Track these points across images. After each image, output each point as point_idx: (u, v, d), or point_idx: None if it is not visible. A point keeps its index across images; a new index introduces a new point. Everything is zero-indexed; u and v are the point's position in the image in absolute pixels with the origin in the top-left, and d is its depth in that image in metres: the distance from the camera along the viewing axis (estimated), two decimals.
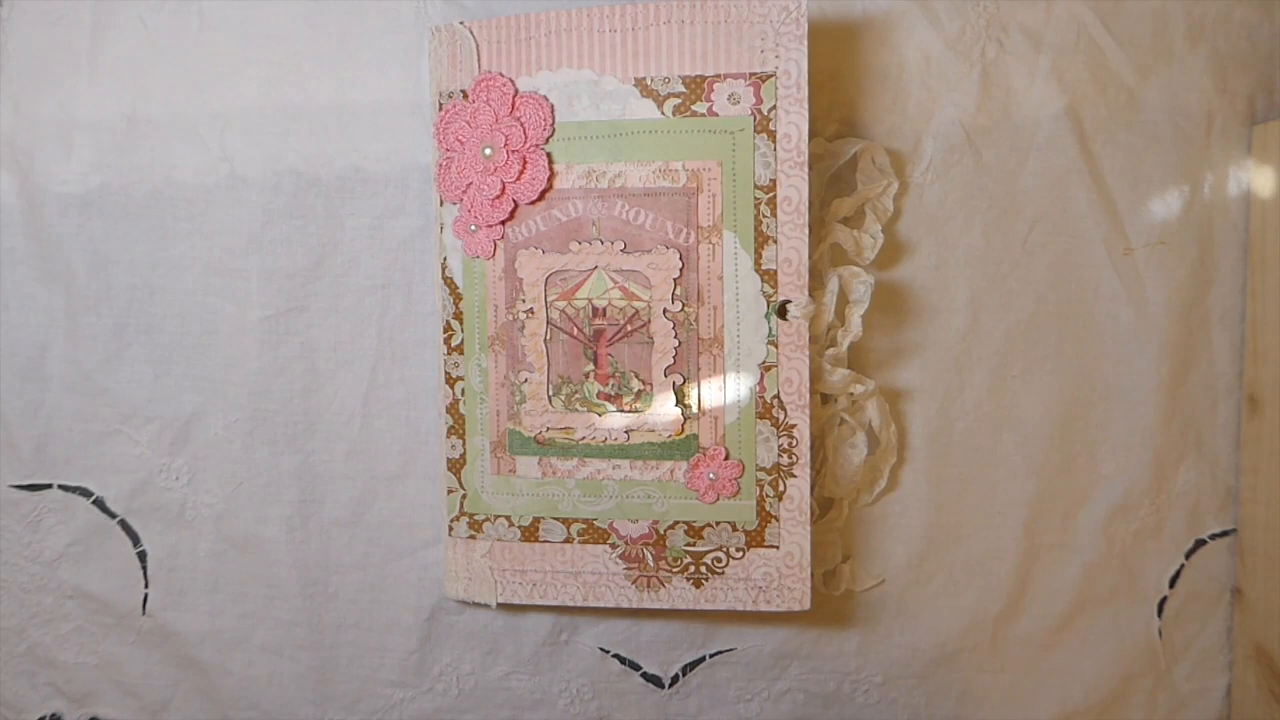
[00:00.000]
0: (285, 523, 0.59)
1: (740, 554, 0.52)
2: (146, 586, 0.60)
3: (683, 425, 0.52)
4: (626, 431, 0.52)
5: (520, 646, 0.59)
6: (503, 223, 0.52)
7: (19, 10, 0.57)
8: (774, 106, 0.49)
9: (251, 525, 0.59)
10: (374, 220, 0.56)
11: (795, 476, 0.51)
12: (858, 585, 0.57)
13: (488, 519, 0.54)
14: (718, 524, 0.52)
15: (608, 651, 0.59)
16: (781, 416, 0.51)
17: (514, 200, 0.51)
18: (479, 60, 0.51)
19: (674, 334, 0.51)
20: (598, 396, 0.52)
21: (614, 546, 0.53)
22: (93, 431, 0.59)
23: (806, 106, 0.49)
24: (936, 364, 0.56)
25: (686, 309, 0.51)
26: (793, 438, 0.51)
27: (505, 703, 0.59)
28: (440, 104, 0.52)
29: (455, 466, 0.54)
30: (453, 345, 0.54)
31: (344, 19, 0.56)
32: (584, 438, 0.53)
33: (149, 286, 0.58)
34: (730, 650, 0.58)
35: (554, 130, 0.51)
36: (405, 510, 0.58)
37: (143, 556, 0.60)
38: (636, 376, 0.52)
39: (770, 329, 0.50)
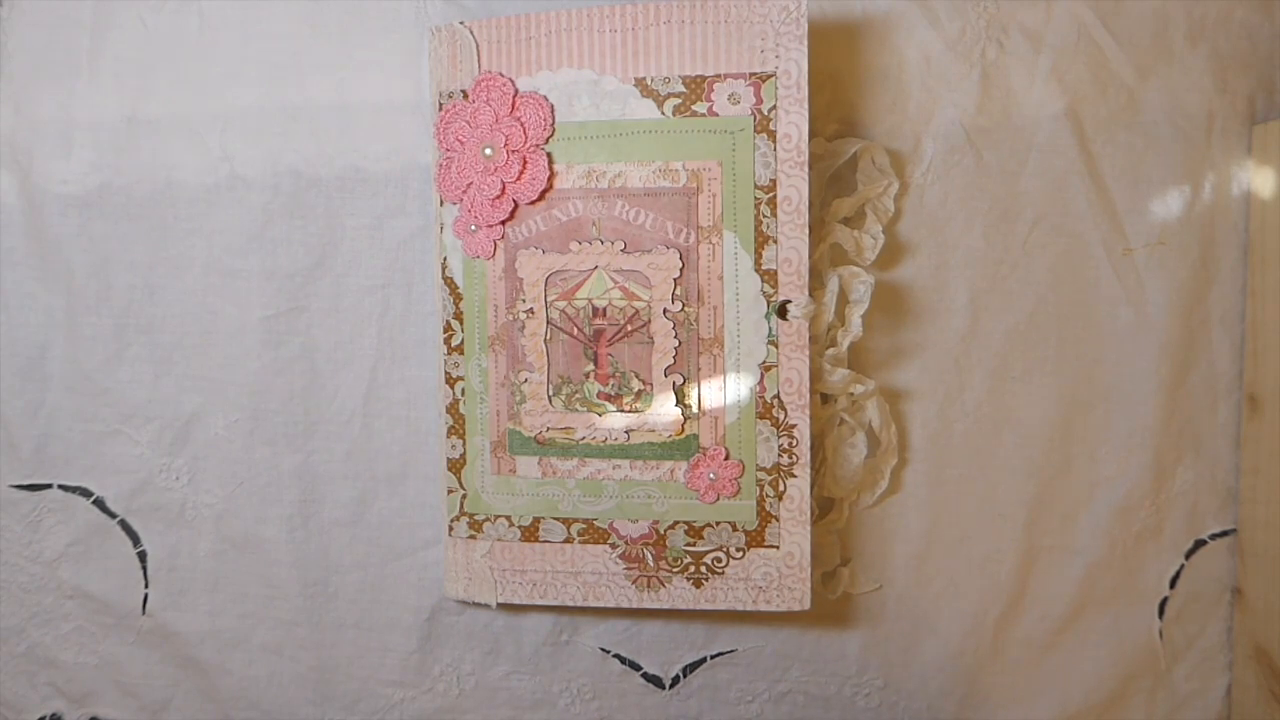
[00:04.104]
0: (285, 523, 0.59)
1: (740, 554, 0.52)
2: (146, 586, 0.60)
3: (683, 425, 0.52)
4: (626, 431, 0.52)
5: (521, 646, 0.59)
6: (503, 223, 0.52)
7: (19, 10, 0.57)
8: (774, 106, 0.49)
9: (251, 525, 0.59)
10: (374, 220, 0.56)
11: (795, 476, 0.51)
12: (856, 588, 0.57)
13: (488, 519, 0.54)
14: (718, 524, 0.52)
15: (608, 652, 0.59)
16: (781, 416, 0.51)
17: (514, 200, 0.51)
18: (479, 60, 0.51)
19: (674, 334, 0.51)
20: (598, 396, 0.52)
21: (614, 546, 0.53)
22: (93, 431, 0.59)
23: (806, 106, 0.49)
24: (936, 365, 0.56)
25: (686, 309, 0.51)
26: (793, 438, 0.51)
27: (506, 703, 0.59)
28: (440, 104, 0.52)
29: (455, 466, 0.54)
30: (453, 345, 0.54)
31: (344, 19, 0.56)
32: (584, 438, 0.53)
33: (149, 286, 0.58)
34: (731, 651, 0.58)
35: (554, 130, 0.51)
36: (405, 510, 0.58)
37: (143, 556, 0.60)
38: (636, 376, 0.52)
39: (770, 329, 0.50)
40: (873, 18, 0.54)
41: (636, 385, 0.52)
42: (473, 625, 0.59)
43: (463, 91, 0.52)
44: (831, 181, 0.54)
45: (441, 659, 0.59)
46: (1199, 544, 0.57)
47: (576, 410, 0.53)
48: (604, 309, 0.52)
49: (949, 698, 0.58)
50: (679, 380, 0.52)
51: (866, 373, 0.55)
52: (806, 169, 0.49)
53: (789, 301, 0.50)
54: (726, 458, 0.52)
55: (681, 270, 0.51)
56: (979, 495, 0.57)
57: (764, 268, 0.50)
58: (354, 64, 0.56)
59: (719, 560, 0.52)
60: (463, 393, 0.54)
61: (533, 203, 0.51)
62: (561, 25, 0.50)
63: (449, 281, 0.53)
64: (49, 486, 0.60)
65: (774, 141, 0.49)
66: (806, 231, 0.50)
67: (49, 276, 0.58)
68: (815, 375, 0.52)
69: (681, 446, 0.52)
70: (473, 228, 0.52)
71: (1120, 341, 0.56)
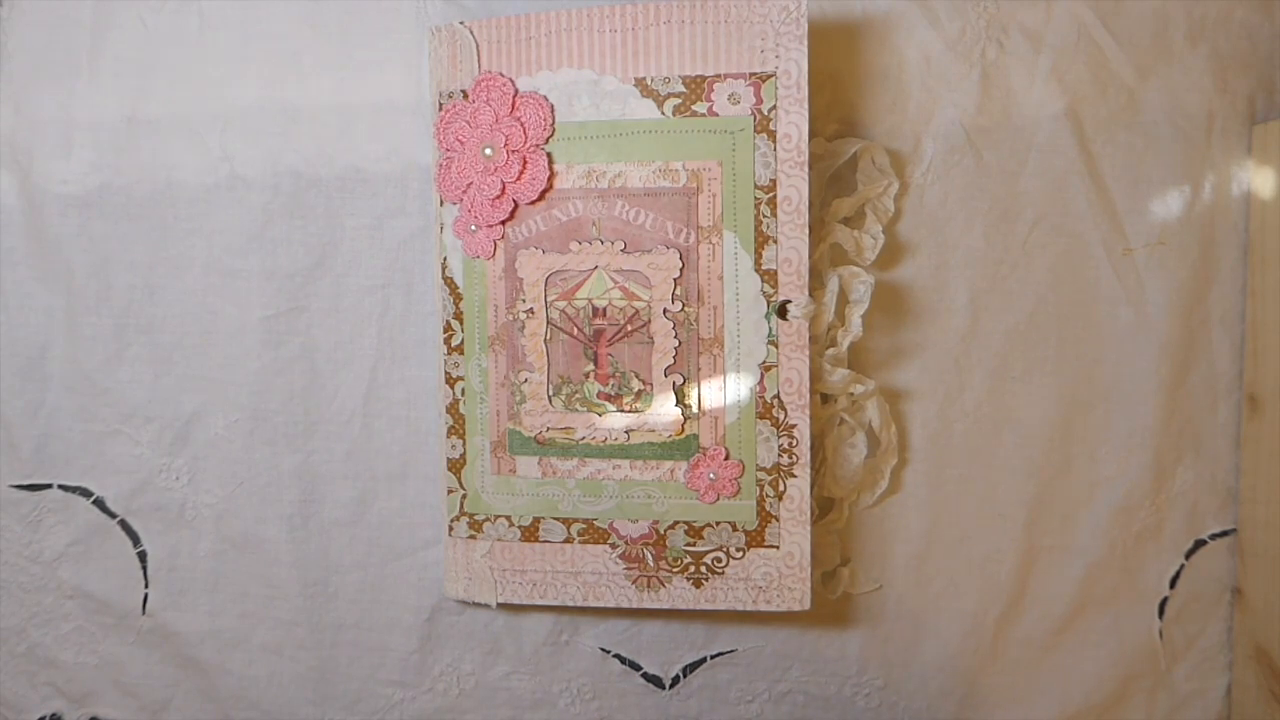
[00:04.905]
0: (285, 523, 0.59)
1: (740, 554, 0.52)
2: (146, 586, 0.60)
3: (683, 425, 0.52)
4: (626, 431, 0.52)
5: (521, 646, 0.59)
6: (503, 223, 0.52)
7: (19, 10, 0.57)
8: (774, 106, 0.49)
9: (251, 525, 0.59)
10: (374, 220, 0.56)
11: (795, 476, 0.51)
12: (856, 588, 0.57)
13: (488, 519, 0.54)
14: (718, 524, 0.52)
15: (608, 652, 0.59)
16: (781, 416, 0.51)
17: (514, 200, 0.51)
18: (479, 60, 0.51)
19: (674, 334, 0.51)
20: (598, 396, 0.52)
21: (614, 546, 0.53)
22: (93, 431, 0.59)
23: (806, 106, 0.49)
24: (936, 365, 0.56)
25: (686, 309, 0.51)
26: (793, 438, 0.51)
27: (506, 703, 0.59)
28: (440, 104, 0.52)
29: (455, 466, 0.54)
30: (453, 345, 0.54)
31: (344, 19, 0.56)
32: (584, 438, 0.53)
33: (149, 286, 0.58)
34: (731, 651, 0.58)
35: (554, 130, 0.51)
36: (405, 510, 0.58)
37: (143, 556, 0.60)
38: (636, 376, 0.52)
39: (770, 329, 0.50)
40: (873, 18, 0.54)
41: (636, 385, 0.52)
42: (473, 625, 0.59)
43: (463, 91, 0.52)
44: (831, 181, 0.54)
45: (441, 659, 0.59)
46: (1199, 544, 0.57)
47: (576, 410, 0.53)
48: (604, 309, 0.52)
49: (949, 698, 0.58)
50: (679, 380, 0.52)
51: (866, 373, 0.55)
52: (806, 169, 0.49)
53: (789, 301, 0.50)
54: (726, 458, 0.52)
55: (681, 270, 0.51)
56: (979, 495, 0.57)
57: (764, 268, 0.50)
58: (354, 64, 0.56)
59: (719, 560, 0.52)
60: (463, 393, 0.54)
61: (533, 203, 0.51)
62: (561, 25, 0.50)
63: (449, 281, 0.53)
64: (49, 486, 0.60)
65: (774, 141, 0.49)
66: (806, 231, 0.50)
67: (49, 276, 0.58)
68: (815, 375, 0.52)
69: (681, 446, 0.52)
70: (473, 228, 0.52)
71: (1120, 341, 0.56)
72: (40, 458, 0.59)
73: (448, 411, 0.54)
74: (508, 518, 0.54)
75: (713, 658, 0.58)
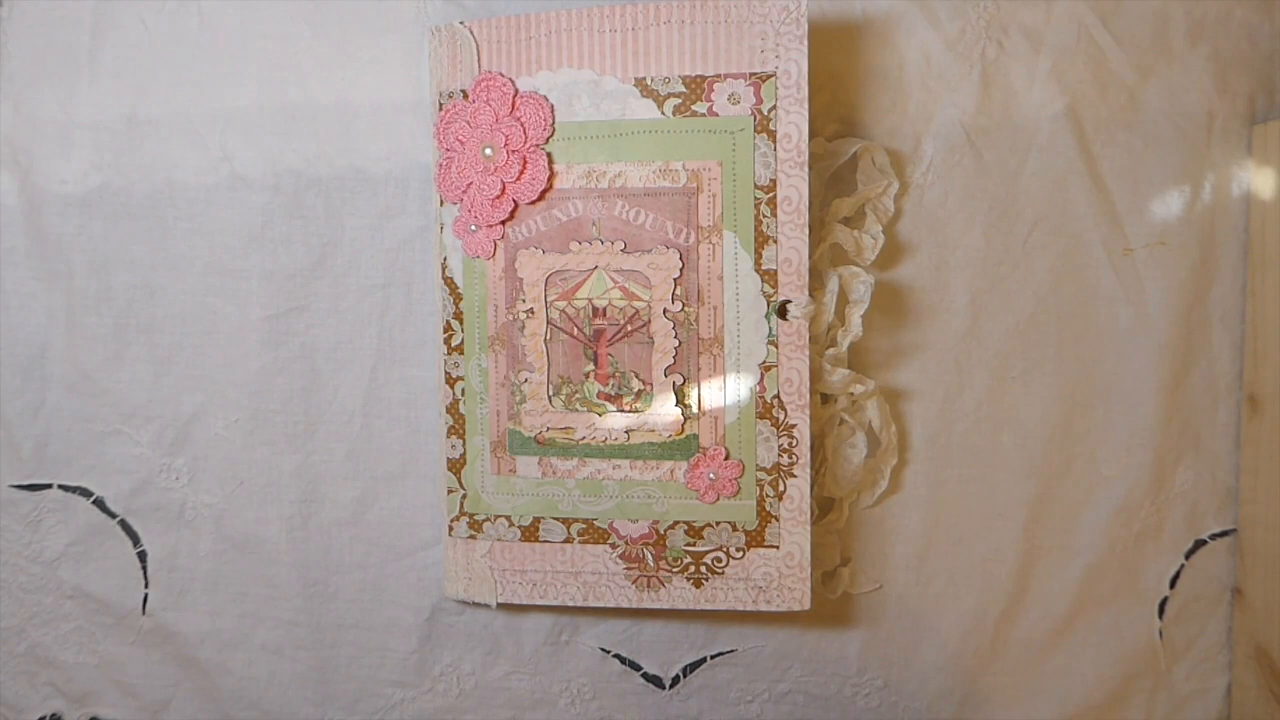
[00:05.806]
0: (285, 523, 0.59)
1: (740, 554, 0.52)
2: (146, 586, 0.60)
3: (683, 425, 0.52)
4: (626, 431, 0.52)
5: (521, 646, 0.59)
6: (503, 223, 0.52)
7: (19, 10, 0.57)
8: (774, 106, 0.49)
9: (251, 525, 0.59)
10: (374, 220, 0.56)
11: (795, 476, 0.51)
12: (856, 588, 0.57)
13: (488, 519, 0.54)
14: (718, 524, 0.52)
15: (608, 652, 0.59)
16: (781, 416, 0.51)
17: (514, 200, 0.51)
18: (479, 60, 0.51)
19: (674, 334, 0.51)
20: (598, 396, 0.52)
21: (614, 546, 0.53)
22: (93, 431, 0.59)
23: (806, 106, 0.49)
24: (936, 364, 0.56)
25: (686, 309, 0.51)
26: (793, 438, 0.51)
27: (506, 703, 0.59)
28: (440, 104, 0.52)
29: (455, 466, 0.54)
30: (453, 345, 0.54)
31: (344, 19, 0.56)
32: (584, 438, 0.53)
33: (149, 286, 0.58)
34: (731, 651, 0.58)
35: (554, 130, 0.51)
36: (405, 510, 0.58)
37: (143, 556, 0.60)
38: (636, 376, 0.52)
39: (770, 329, 0.50)
40: (873, 18, 0.54)
41: (636, 385, 0.52)
42: (473, 625, 0.59)
43: (463, 91, 0.52)
44: (831, 181, 0.54)
45: (441, 659, 0.59)
46: (1199, 544, 0.57)
47: (576, 410, 0.53)
48: (604, 309, 0.52)
49: (949, 698, 0.58)
50: (679, 380, 0.52)
51: (866, 373, 0.55)
52: (806, 169, 0.49)
53: (789, 301, 0.50)
54: (726, 458, 0.52)
55: (681, 270, 0.51)
56: (979, 495, 0.57)
57: (764, 268, 0.50)
58: (354, 64, 0.56)
59: (719, 560, 0.52)
60: (463, 393, 0.54)
61: (533, 203, 0.51)
62: (561, 25, 0.51)
63: (449, 281, 0.53)
64: (49, 486, 0.60)
65: (774, 141, 0.49)
66: (806, 231, 0.50)
67: (49, 276, 0.58)
68: (815, 375, 0.52)
69: (681, 446, 0.52)
70: (473, 228, 0.52)
71: (1120, 341, 0.56)
72: (40, 458, 0.59)
73: (448, 411, 0.54)
74: (508, 518, 0.54)
75: (713, 658, 0.58)
